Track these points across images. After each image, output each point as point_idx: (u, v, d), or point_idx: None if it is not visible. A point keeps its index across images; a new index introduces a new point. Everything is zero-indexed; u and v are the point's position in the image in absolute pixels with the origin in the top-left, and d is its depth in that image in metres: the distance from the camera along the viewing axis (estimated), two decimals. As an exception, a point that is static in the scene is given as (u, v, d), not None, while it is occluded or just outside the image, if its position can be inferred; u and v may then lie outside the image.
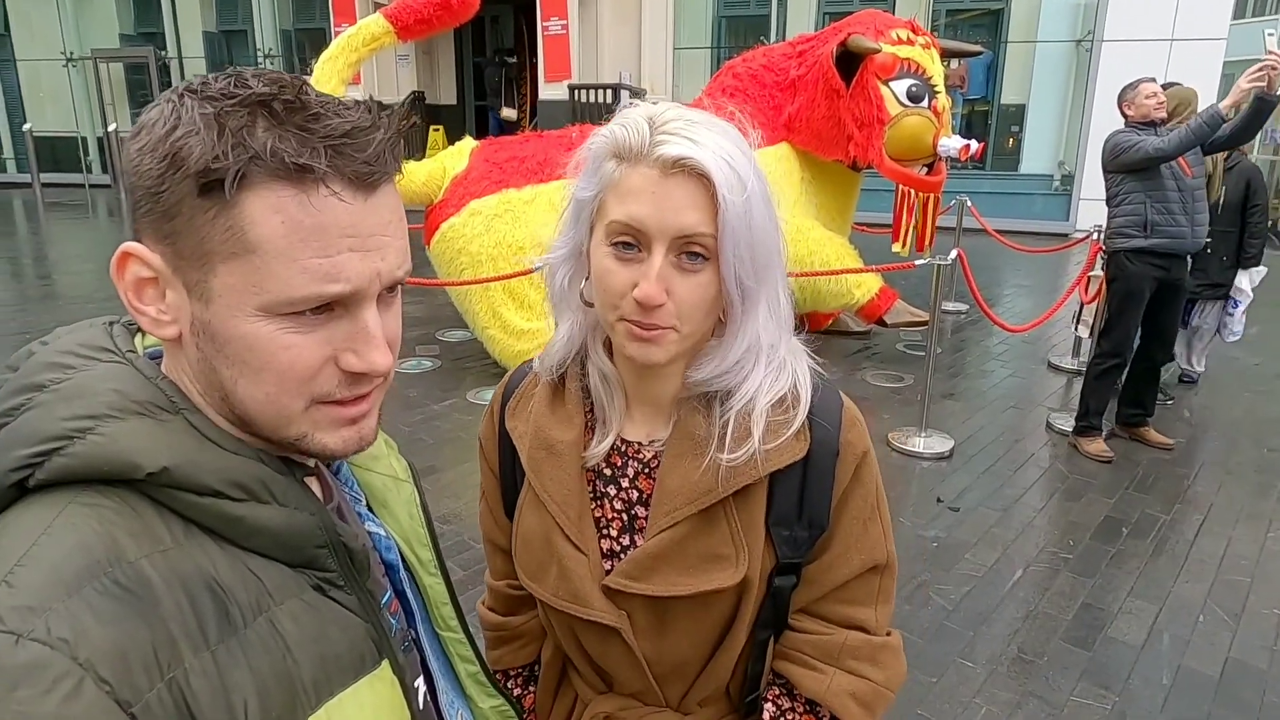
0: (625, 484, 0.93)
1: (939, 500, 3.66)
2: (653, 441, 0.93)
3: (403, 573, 0.78)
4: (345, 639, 0.61)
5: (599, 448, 0.92)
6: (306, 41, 14.84)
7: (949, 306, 6.87)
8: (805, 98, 5.20)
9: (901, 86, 4.97)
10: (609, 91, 11.40)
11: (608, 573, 0.91)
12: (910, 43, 5.03)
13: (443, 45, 14.59)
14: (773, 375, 0.88)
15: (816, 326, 6.10)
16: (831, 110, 5.07)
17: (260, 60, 15.53)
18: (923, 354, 4.33)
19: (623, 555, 0.92)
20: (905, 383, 5.16)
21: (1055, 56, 11.64)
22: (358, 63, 5.00)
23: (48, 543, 0.50)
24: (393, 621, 0.72)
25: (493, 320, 4.74)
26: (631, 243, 0.80)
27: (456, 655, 0.83)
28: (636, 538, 0.92)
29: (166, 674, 0.49)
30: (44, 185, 14.31)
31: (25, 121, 15.14)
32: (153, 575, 0.52)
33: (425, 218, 4.97)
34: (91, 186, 14.84)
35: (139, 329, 0.66)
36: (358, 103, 0.58)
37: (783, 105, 5.33)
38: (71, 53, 16.28)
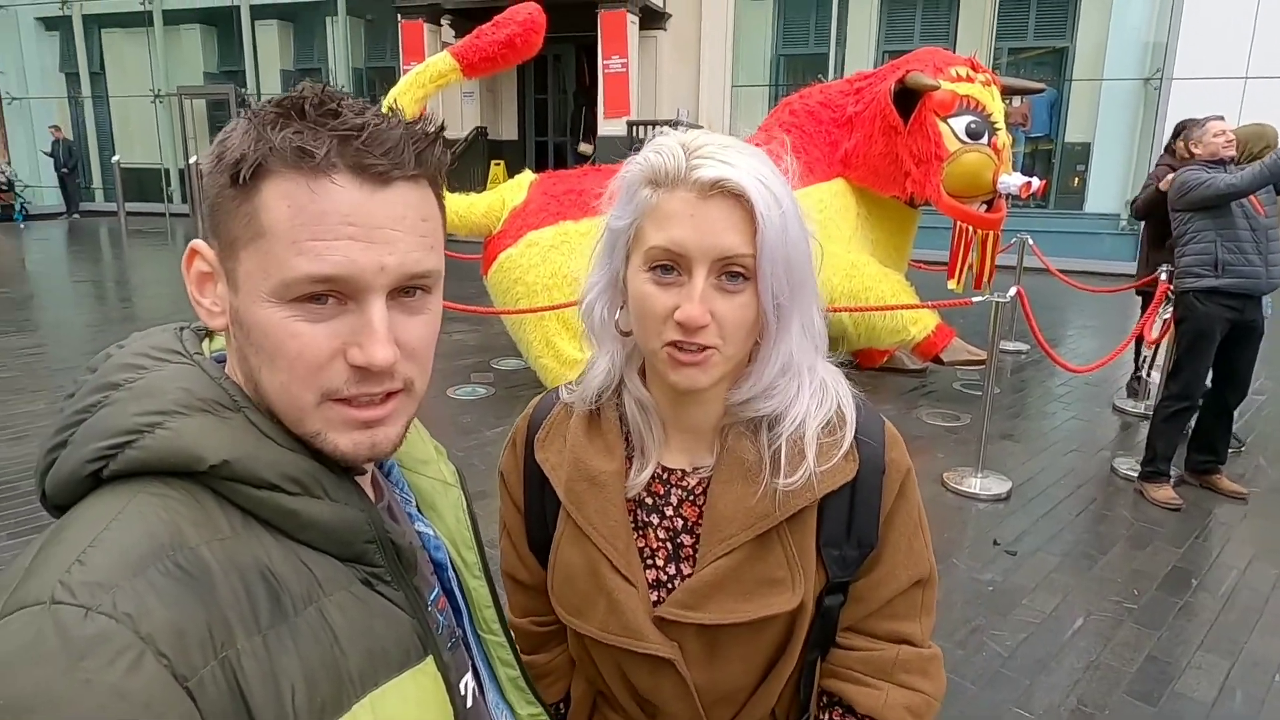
0: (669, 512, 0.92)
1: (995, 543, 3.55)
2: (696, 469, 0.92)
3: (450, 573, 0.80)
4: (391, 632, 0.63)
5: (640, 477, 0.92)
6: (377, 79, 15.46)
7: (1009, 346, 6.72)
8: (862, 134, 5.21)
9: (961, 123, 4.94)
10: (667, 128, 11.53)
11: (656, 603, 0.90)
12: (970, 80, 5.01)
13: (506, 82, 15.00)
14: (817, 398, 0.88)
15: (871, 363, 6.02)
16: (889, 146, 5.07)
17: (333, 97, 16.16)
18: (980, 393, 4.24)
19: (670, 585, 0.91)
20: (961, 422, 5.05)
21: (1123, 94, 11.43)
22: (424, 98, 5.18)
23: (118, 527, 0.54)
24: (440, 618, 0.74)
25: (546, 349, 4.80)
26: (671, 266, 0.81)
27: (497, 659, 0.85)
28: (683, 566, 0.91)
29: (220, 653, 0.52)
30: (129, 214, 15.16)
31: (115, 154, 16.07)
32: (211, 561, 0.54)
33: (483, 248, 5.09)
34: (172, 215, 15.58)
35: (207, 333, 0.70)
36: (388, 109, 0.61)
37: (839, 141, 5.34)
38: (159, 90, 17.25)
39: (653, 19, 13.09)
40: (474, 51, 4.97)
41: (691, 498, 0.92)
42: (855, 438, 0.89)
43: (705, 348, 0.81)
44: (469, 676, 0.77)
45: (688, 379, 0.83)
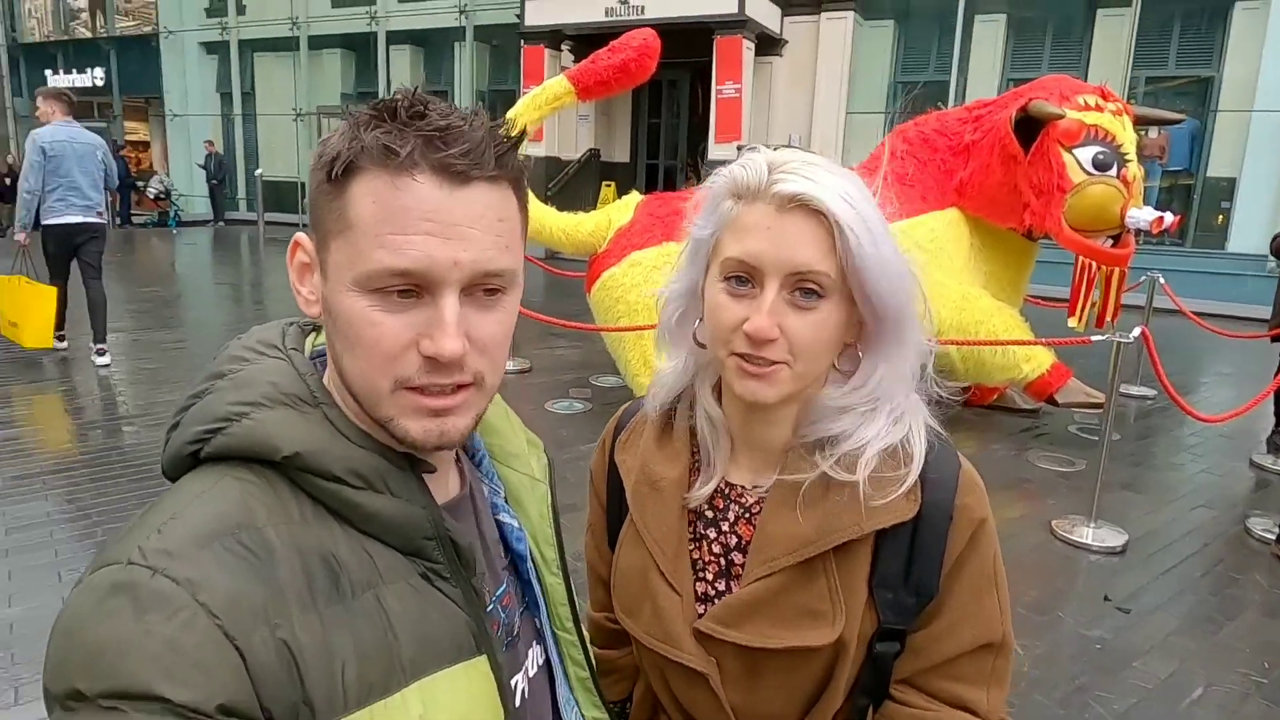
0: (725, 528, 0.92)
1: (1106, 599, 3.32)
2: (756, 487, 0.91)
3: (530, 565, 0.82)
4: (445, 626, 0.66)
5: (702, 490, 0.92)
6: (499, 101, 16.07)
7: (1134, 390, 6.31)
8: (979, 162, 5.03)
9: (1087, 154, 4.70)
10: (761, 145, 11.52)
11: (701, 616, 0.90)
12: (1099, 109, 4.77)
13: (620, 106, 15.33)
14: (888, 427, 0.85)
15: (980, 400, 5.78)
16: (1007, 176, 4.88)
17: (457, 118, 16.94)
18: (1098, 438, 3.99)
19: (717, 600, 0.90)
20: (1076, 468, 4.76)
21: (1274, 127, 10.60)
22: (539, 120, 5.37)
23: (198, 505, 0.60)
24: (502, 615, 0.76)
25: (644, 368, 4.85)
26: (746, 278, 0.81)
27: (569, 657, 0.86)
28: (732, 584, 0.90)
29: (272, 621, 0.57)
30: (267, 223, 16.31)
31: (258, 168, 17.37)
32: (275, 541, 0.60)
33: (588, 266, 5.20)
34: (303, 225, 16.57)
35: (314, 328, 0.75)
36: (473, 111, 0.64)
37: (954, 170, 5.18)
38: (300, 109, 18.50)
39: (769, 45, 13.12)
40: (589, 75, 5.11)
41: (748, 516, 0.91)
42: (922, 477, 0.84)
43: (774, 362, 0.81)
44: (520, 676, 0.78)
45: (751, 391, 0.82)
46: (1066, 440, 5.30)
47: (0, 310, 6.10)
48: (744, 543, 0.90)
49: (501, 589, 0.77)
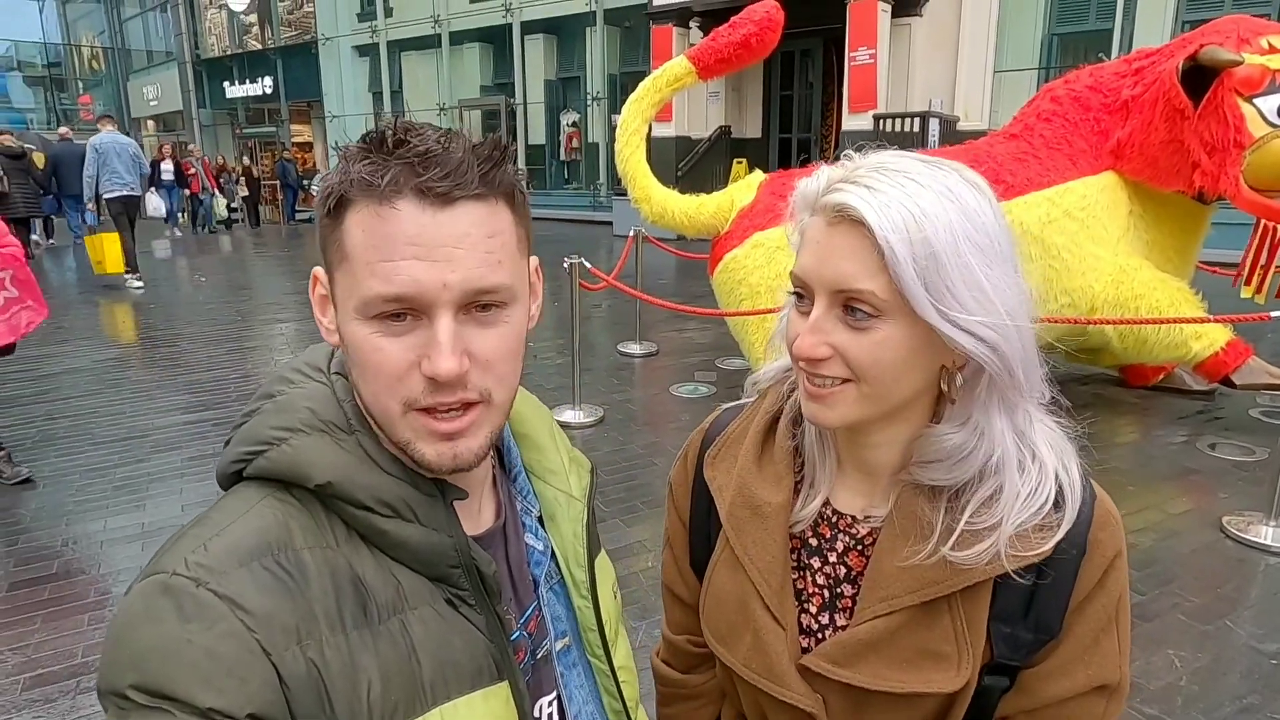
0: (833, 558, 0.86)
1: (1288, 607, 2.96)
2: (868, 517, 0.85)
3: (550, 589, 0.81)
4: (467, 651, 0.67)
5: (806, 510, 0.87)
6: (629, 83, 16.16)
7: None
8: (1140, 120, 4.54)
9: (1271, 103, 4.14)
10: (916, 120, 10.94)
11: (805, 650, 0.85)
12: (1288, 51, 4.19)
13: (751, 81, 15.03)
14: (1029, 482, 0.76)
15: (1142, 381, 5.27)
16: (1173, 134, 4.38)
17: (589, 102, 17.22)
18: (1281, 424, 3.55)
19: (820, 635, 0.85)
20: (1255, 457, 4.26)
21: None
22: (660, 102, 5.33)
23: (241, 523, 0.63)
24: (528, 640, 0.76)
25: (768, 352, 4.74)
26: (803, 294, 0.78)
27: (601, 685, 0.85)
28: (838, 617, 0.85)
29: (304, 641, 0.59)
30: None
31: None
32: (310, 564, 0.62)
33: (711, 248, 5.14)
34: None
35: None
36: (450, 133, 0.64)
37: (1110, 130, 4.71)
38: (444, 103, 19.37)
39: (907, 5, 12.41)
40: (709, 54, 5.02)
41: (860, 547, 0.85)
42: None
43: (838, 380, 0.76)
44: (546, 700, 0.78)
45: (813, 412, 0.78)
46: (1246, 426, 4.74)
47: (92, 257, 9.90)
48: (853, 574, 0.85)
49: (530, 611, 0.77)
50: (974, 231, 0.70)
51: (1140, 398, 5.22)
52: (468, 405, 0.65)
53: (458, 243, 0.62)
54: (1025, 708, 0.80)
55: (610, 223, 14.93)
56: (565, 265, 4.70)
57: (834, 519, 0.86)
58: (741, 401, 0.99)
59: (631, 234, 6.73)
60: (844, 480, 0.87)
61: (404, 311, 0.63)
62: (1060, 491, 0.76)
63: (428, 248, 0.61)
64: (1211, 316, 4.31)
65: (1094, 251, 4.55)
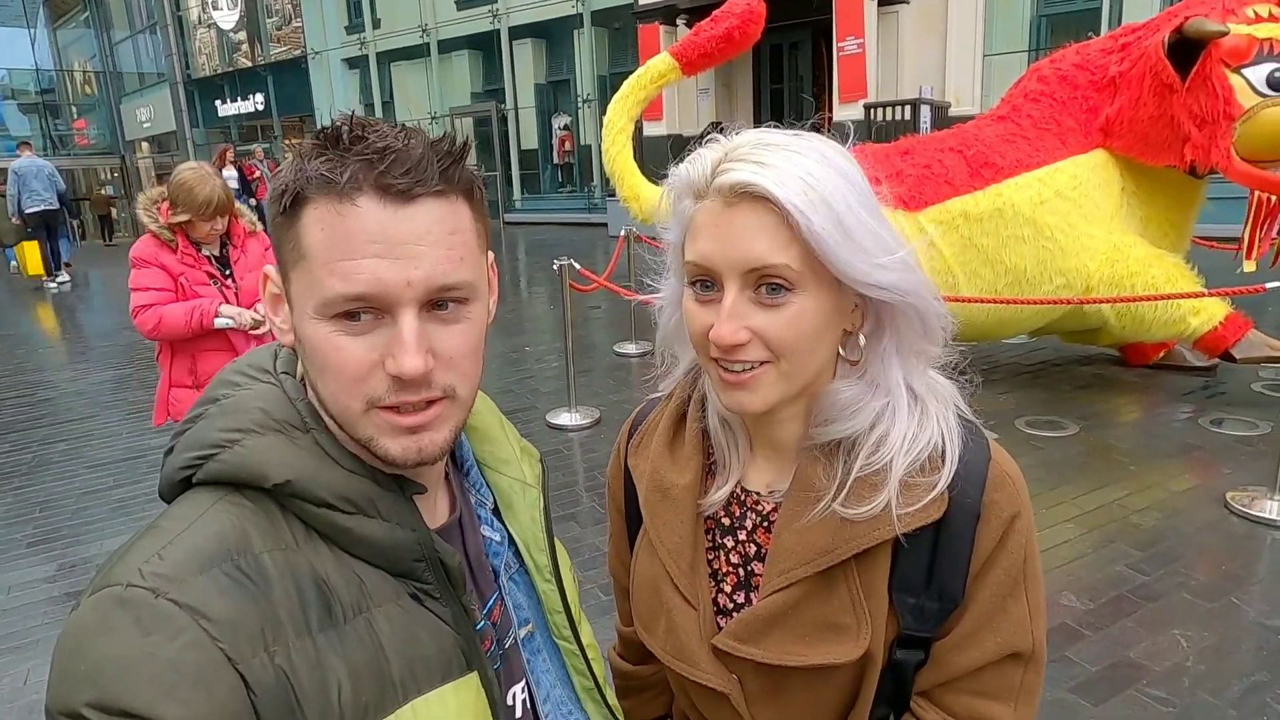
0: (743, 536, 0.86)
1: (1295, 581, 2.92)
2: (772, 492, 0.85)
3: (510, 578, 0.81)
4: (434, 645, 0.66)
5: (717, 494, 0.87)
6: (619, 84, 16.07)
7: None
8: (1128, 96, 4.50)
9: (1259, 72, 4.09)
10: (906, 108, 10.90)
11: (720, 631, 0.84)
12: (1273, 19, 4.14)
13: (740, 76, 14.99)
14: (913, 426, 0.77)
15: (1142, 359, 5.23)
16: (1162, 108, 4.33)
17: (580, 105, 17.20)
18: (1283, 397, 3.51)
19: (736, 613, 0.85)
20: (1259, 431, 4.21)
21: None
22: (645, 100, 5.32)
23: (196, 529, 0.61)
24: (494, 629, 0.75)
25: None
26: (708, 282, 0.76)
27: (570, 665, 0.84)
28: (752, 595, 0.85)
29: (270, 647, 0.57)
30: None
31: (399, 172, 18.43)
32: (271, 567, 0.60)
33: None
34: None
35: None
36: (407, 129, 0.62)
37: (1099, 107, 4.67)
38: (434, 112, 19.37)
39: (893, -7, 12.37)
40: (693, 48, 5.01)
41: (766, 524, 0.85)
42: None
43: (756, 364, 0.75)
44: (519, 687, 0.78)
45: (736, 401, 0.77)
46: (1248, 400, 4.70)
47: (18, 261, 12.69)
48: (762, 552, 0.85)
49: (491, 600, 0.77)
50: (853, 186, 0.72)
51: (1141, 376, 5.17)
52: (431, 402, 0.65)
53: (420, 240, 0.61)
54: (939, 680, 0.80)
55: (605, 224, 14.91)
56: (555, 268, 4.68)
57: (743, 497, 0.87)
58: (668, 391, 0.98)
59: (623, 234, 6.70)
60: (755, 460, 0.87)
61: (363, 310, 0.62)
62: (941, 448, 0.77)
63: (390, 245, 0.60)
64: (1208, 291, 4.26)
65: (1087, 230, 4.51)
